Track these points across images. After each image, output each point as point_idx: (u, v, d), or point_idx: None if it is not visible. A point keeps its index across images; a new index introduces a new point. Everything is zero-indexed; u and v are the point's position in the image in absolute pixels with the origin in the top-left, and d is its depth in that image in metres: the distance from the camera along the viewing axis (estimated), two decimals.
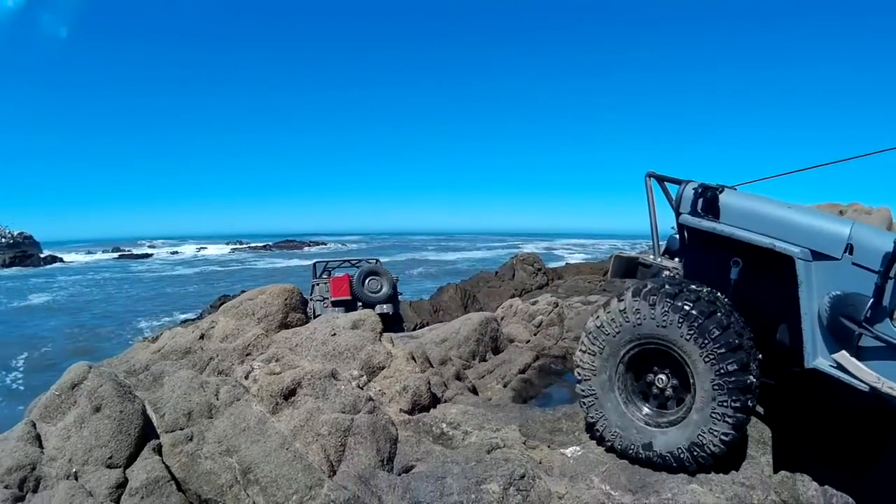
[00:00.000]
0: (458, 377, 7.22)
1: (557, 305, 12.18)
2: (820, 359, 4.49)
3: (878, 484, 4.97)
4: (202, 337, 7.27)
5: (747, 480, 4.79)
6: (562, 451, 5.33)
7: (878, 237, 4.40)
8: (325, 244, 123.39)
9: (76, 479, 4.60)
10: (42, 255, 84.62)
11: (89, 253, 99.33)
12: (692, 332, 4.69)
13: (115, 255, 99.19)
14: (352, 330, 6.92)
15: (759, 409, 5.54)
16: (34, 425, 5.03)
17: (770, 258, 4.74)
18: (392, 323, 15.35)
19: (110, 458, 4.74)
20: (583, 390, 5.25)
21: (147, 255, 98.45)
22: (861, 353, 4.36)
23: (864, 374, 4.23)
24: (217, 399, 5.52)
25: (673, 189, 5.50)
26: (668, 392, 5.07)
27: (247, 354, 6.69)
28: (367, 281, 15.57)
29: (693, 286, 4.95)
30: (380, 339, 6.86)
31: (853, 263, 4.44)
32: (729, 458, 4.95)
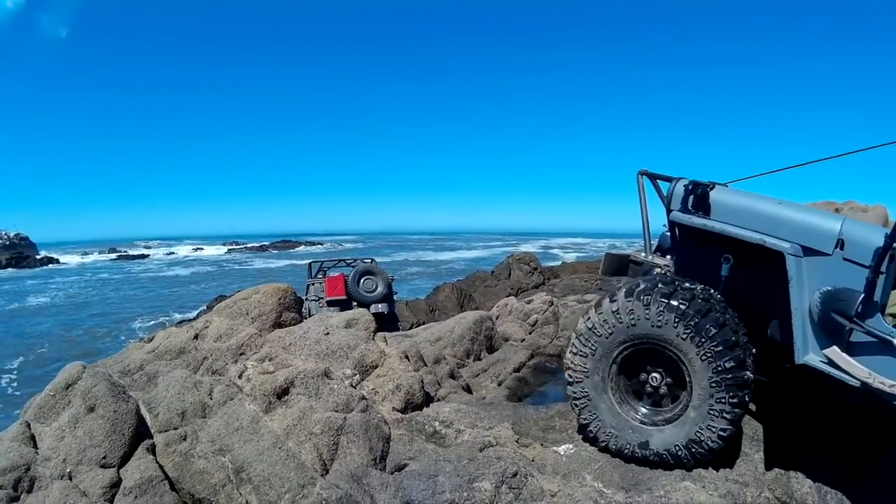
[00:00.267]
0: (452, 376, 7.24)
1: (552, 304, 12.20)
2: (811, 354, 4.49)
3: (872, 481, 4.99)
4: (196, 337, 7.29)
5: (741, 478, 4.80)
6: (554, 448, 5.34)
7: (869, 232, 4.39)
8: (322, 244, 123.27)
9: (70, 479, 4.60)
10: (38, 257, 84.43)
11: (85, 254, 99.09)
12: (688, 331, 4.71)
13: (112, 255, 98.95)
14: (345, 329, 6.93)
15: (753, 406, 5.54)
16: (29, 426, 5.03)
17: (761, 254, 4.73)
18: (387, 322, 15.36)
19: (104, 457, 4.74)
20: (575, 392, 5.25)
21: (143, 256, 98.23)
22: (852, 349, 4.35)
23: (856, 369, 4.23)
24: (211, 398, 5.52)
25: (665, 187, 5.50)
26: (663, 390, 5.08)
27: (240, 354, 6.70)
28: (362, 280, 15.58)
29: (687, 284, 4.97)
30: (373, 338, 6.87)
31: (844, 259, 4.44)
32: (722, 455, 4.96)
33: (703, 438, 4.70)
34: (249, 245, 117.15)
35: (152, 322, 34.85)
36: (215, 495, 4.75)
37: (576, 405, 5.27)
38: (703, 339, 4.66)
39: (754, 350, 4.90)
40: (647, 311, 4.90)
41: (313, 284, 15.89)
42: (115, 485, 4.61)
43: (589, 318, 5.25)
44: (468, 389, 7.23)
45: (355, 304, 15.24)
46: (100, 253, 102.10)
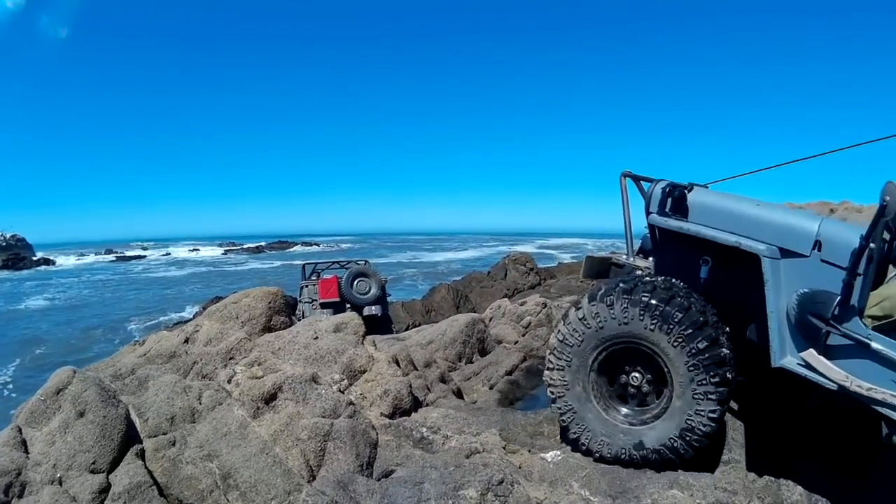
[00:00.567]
0: (443, 380, 7.24)
1: (546, 306, 12.21)
2: (787, 357, 4.51)
3: (862, 488, 5.01)
4: (187, 340, 7.29)
5: (730, 486, 4.75)
6: (542, 455, 5.33)
7: (846, 233, 4.40)
8: (318, 244, 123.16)
9: (60, 484, 4.59)
10: (34, 258, 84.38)
11: (82, 255, 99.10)
12: (655, 321, 4.77)
13: (109, 257, 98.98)
14: (334, 333, 6.94)
15: (740, 410, 5.57)
16: (20, 430, 5.03)
17: (740, 256, 4.73)
18: (381, 324, 15.36)
19: (94, 463, 4.74)
20: (560, 408, 5.28)
21: (140, 257, 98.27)
22: (830, 352, 4.35)
23: (833, 372, 4.24)
24: (200, 403, 5.53)
25: (648, 188, 5.56)
26: (645, 388, 5.11)
27: (230, 358, 6.70)
28: (355, 282, 15.57)
29: (647, 279, 5.04)
30: (362, 343, 6.88)
31: (822, 260, 4.45)
32: (711, 462, 5.04)
33: (694, 425, 4.72)
34: (245, 246, 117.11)
35: (149, 322, 34.95)
36: (203, 501, 4.76)
37: (563, 420, 5.28)
38: (671, 325, 4.71)
39: (728, 328, 4.91)
40: (611, 311, 4.94)
41: (307, 286, 15.87)
42: (105, 490, 4.61)
43: (559, 330, 5.30)
44: (459, 393, 7.23)
45: (349, 306, 15.24)
46: (96, 254, 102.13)
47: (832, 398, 4.54)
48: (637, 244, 6.06)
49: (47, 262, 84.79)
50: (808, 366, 4.35)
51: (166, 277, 64.19)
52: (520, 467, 5.11)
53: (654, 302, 4.81)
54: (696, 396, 4.70)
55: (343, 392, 5.89)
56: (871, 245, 4.09)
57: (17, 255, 79.69)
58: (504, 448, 5.37)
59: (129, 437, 5.05)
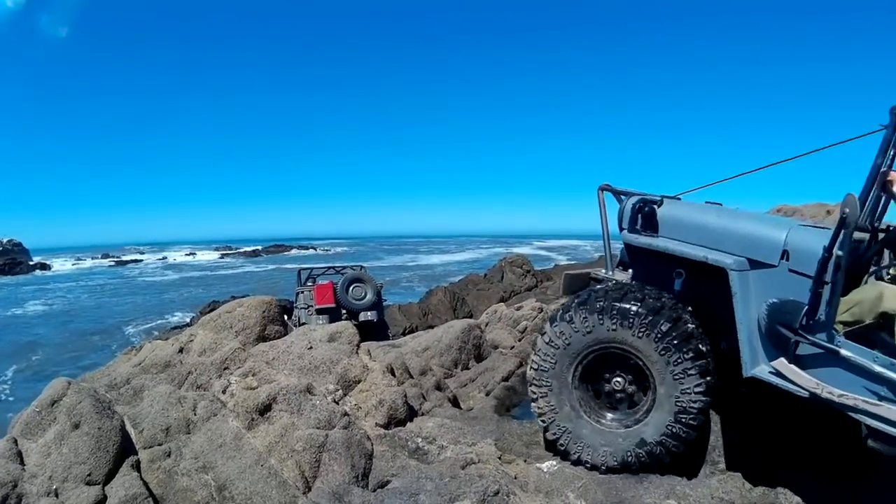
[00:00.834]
0: (439, 387, 7.23)
1: (542, 310, 12.21)
2: (759, 367, 4.55)
3: (859, 494, 5.02)
4: (181, 350, 7.29)
5: (726, 495, 4.80)
6: (538, 465, 5.33)
7: (813, 242, 4.42)
8: (315, 248, 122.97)
9: (56, 496, 4.58)
10: (31, 263, 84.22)
11: (79, 260, 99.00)
12: (614, 321, 4.92)
13: (106, 261, 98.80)
14: (328, 343, 6.93)
15: (734, 417, 5.58)
16: (15, 442, 5.02)
17: (711, 268, 4.78)
18: (377, 330, 15.35)
19: (89, 475, 4.73)
20: (555, 433, 5.32)
21: (137, 262, 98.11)
22: (801, 360, 4.42)
23: (804, 380, 4.29)
24: (195, 414, 5.52)
25: None
26: (630, 389, 5.19)
27: (224, 368, 6.69)
28: (351, 288, 15.55)
29: (598, 287, 5.21)
30: (356, 352, 6.87)
31: (790, 270, 4.52)
32: (708, 471, 5.13)
33: (685, 405, 4.81)
34: (242, 249, 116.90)
35: (146, 326, 34.91)
36: None
37: (561, 445, 5.30)
38: (630, 320, 4.84)
39: (690, 308, 5.03)
40: (573, 326, 5.09)
41: (302, 292, 15.85)
42: (101, 502, 4.60)
43: (532, 360, 5.42)
44: (455, 401, 7.22)
45: (345, 311, 15.24)
46: (93, 259, 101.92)
47: (811, 402, 4.50)
48: (617, 257, 6.11)
49: (44, 266, 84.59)
50: (779, 374, 4.40)
51: (163, 282, 64.13)
52: (515, 478, 5.11)
53: (609, 304, 4.93)
54: (676, 377, 4.78)
55: (338, 403, 5.89)
56: (837, 254, 4.12)
57: (13, 259, 79.50)
58: (500, 458, 5.38)
59: (125, 449, 5.03)
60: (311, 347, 6.73)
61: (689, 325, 4.84)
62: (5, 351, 28.85)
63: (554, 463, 5.34)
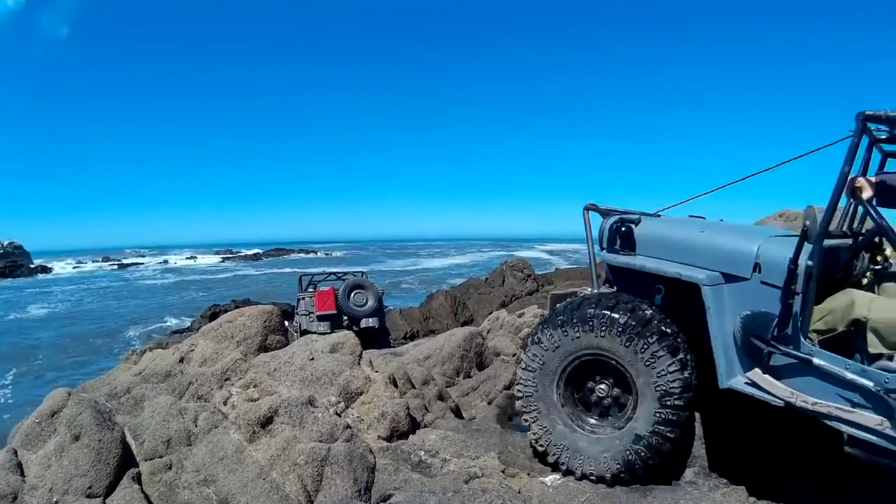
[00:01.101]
0: (441, 397, 7.20)
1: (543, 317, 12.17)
2: (735, 378, 4.65)
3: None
4: (182, 360, 7.27)
5: None
6: (541, 479, 5.27)
7: (785, 252, 4.47)
8: (316, 252, 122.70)
9: None
10: (32, 266, 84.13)
11: (80, 263, 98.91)
12: (575, 327, 5.08)
13: (107, 264, 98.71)
14: (330, 354, 6.90)
15: (735, 430, 5.57)
16: (15, 453, 5.00)
17: (688, 283, 4.87)
18: (378, 337, 15.29)
19: (90, 487, 4.71)
20: (555, 454, 5.35)
21: (138, 265, 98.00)
22: (776, 371, 4.51)
23: (778, 390, 4.39)
24: (196, 426, 5.50)
25: None
26: (615, 392, 5.24)
27: (225, 379, 6.67)
28: (352, 294, 15.47)
29: (567, 304, 5.36)
30: (358, 363, 6.85)
31: (762, 282, 4.61)
32: (713, 484, 5.11)
33: (665, 386, 4.84)
34: (243, 253, 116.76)
35: (148, 328, 34.89)
36: None
37: (563, 466, 5.31)
38: (597, 322, 4.97)
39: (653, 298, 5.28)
40: (542, 346, 5.28)
41: (304, 298, 15.78)
42: None
43: (517, 390, 5.65)
44: (457, 411, 7.18)
45: (346, 318, 15.19)
46: (94, 262, 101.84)
47: (787, 412, 4.59)
48: (603, 275, 6.19)
49: (44, 269, 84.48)
50: (754, 385, 4.50)
51: (164, 285, 64.03)
52: (519, 492, 5.06)
53: (569, 315, 5.14)
54: (647, 364, 4.84)
55: (340, 415, 5.86)
56: (807, 264, 4.24)
57: (14, 262, 79.35)
58: (503, 472, 5.31)
59: (125, 461, 5.02)
60: (312, 358, 6.70)
61: (647, 310, 4.97)
62: (6, 354, 28.76)
63: (557, 477, 5.28)
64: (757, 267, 4.63)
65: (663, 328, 4.89)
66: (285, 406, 5.54)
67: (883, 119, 4.29)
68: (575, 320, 5.06)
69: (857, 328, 4.28)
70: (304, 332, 14.20)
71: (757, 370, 4.54)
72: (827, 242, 4.40)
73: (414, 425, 6.27)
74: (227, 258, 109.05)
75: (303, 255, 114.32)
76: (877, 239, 4.91)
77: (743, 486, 5.08)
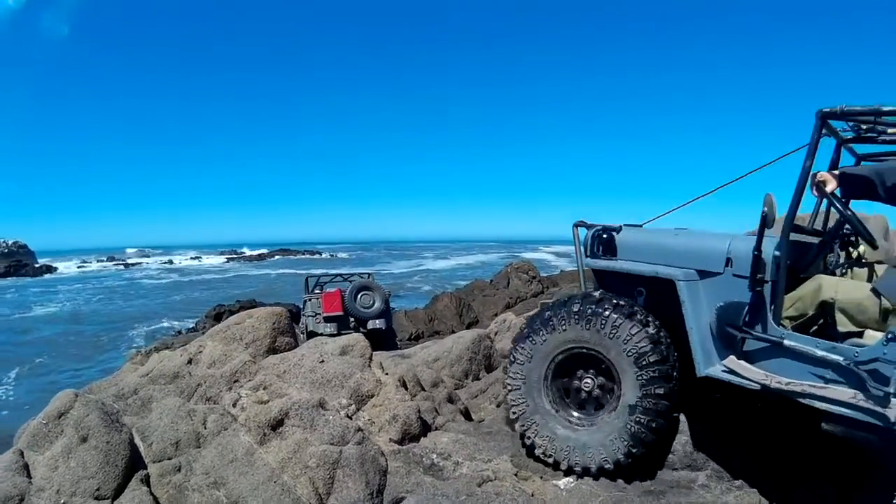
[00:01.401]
0: (450, 400, 7.15)
1: None
2: (712, 367, 4.86)
3: None
4: (190, 361, 7.22)
5: None
6: (555, 482, 5.27)
7: (751, 246, 4.68)
8: (321, 253, 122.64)
9: None
10: (37, 265, 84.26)
11: (84, 262, 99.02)
12: (547, 327, 5.41)
13: (111, 264, 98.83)
14: (340, 356, 6.85)
15: (744, 431, 5.58)
16: (22, 454, 4.96)
17: (668, 284, 5.09)
18: (385, 338, 15.22)
19: (98, 489, 4.67)
20: (565, 458, 5.43)
21: (142, 265, 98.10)
22: (751, 356, 4.74)
23: (753, 373, 4.59)
24: (205, 428, 5.45)
25: None
26: (601, 381, 5.44)
27: (234, 381, 6.64)
28: (359, 296, 15.40)
29: (545, 308, 5.61)
30: (369, 366, 6.80)
31: (734, 275, 4.84)
32: (724, 488, 5.12)
33: (642, 357, 5.05)
34: (248, 254, 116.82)
35: (152, 328, 34.94)
36: None
37: (577, 464, 5.38)
38: (576, 317, 5.24)
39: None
40: (519, 362, 5.58)
41: (310, 300, 15.72)
42: None
43: (511, 411, 5.79)
44: (467, 413, 7.13)
45: (353, 319, 15.14)
46: (98, 261, 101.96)
47: (767, 397, 4.94)
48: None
49: (49, 269, 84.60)
50: (730, 371, 4.71)
51: (168, 285, 64.08)
52: (532, 495, 5.05)
53: (540, 316, 5.53)
54: (630, 354, 5.06)
55: (351, 417, 5.82)
56: (776, 254, 4.52)
57: (18, 261, 79.50)
58: (516, 475, 5.32)
59: (134, 463, 4.98)
60: (322, 361, 6.65)
61: (630, 306, 5.21)
62: (11, 353, 28.81)
63: (571, 480, 5.28)
64: (728, 261, 4.88)
65: (645, 322, 5.11)
66: (296, 408, 5.50)
67: (839, 113, 4.46)
68: (562, 315, 5.31)
69: (826, 310, 4.49)
70: (310, 334, 14.17)
71: (732, 357, 4.78)
72: (797, 237, 4.78)
73: (425, 428, 6.24)
74: (232, 259, 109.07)
75: (308, 256, 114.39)
76: (854, 238, 5.42)
77: (755, 489, 5.10)
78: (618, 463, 5.18)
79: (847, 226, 5.06)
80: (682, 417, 5.63)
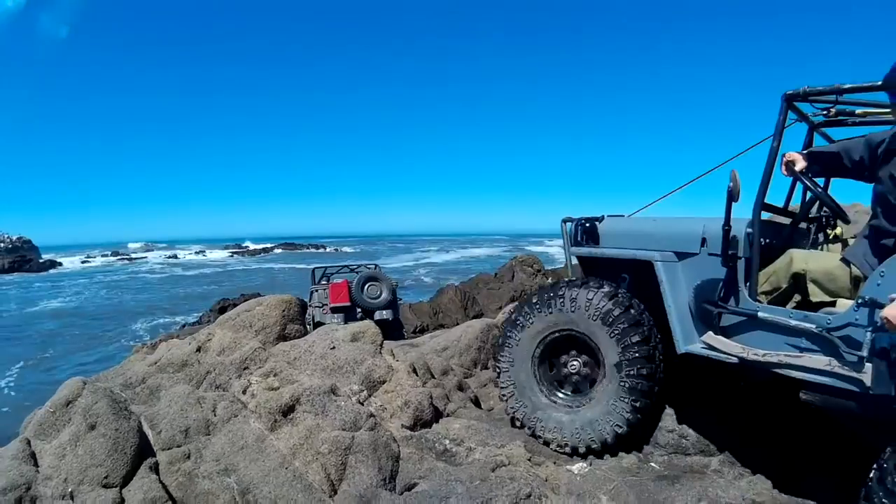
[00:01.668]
0: (461, 388, 7.11)
1: None
2: (692, 344, 5.02)
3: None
4: (199, 349, 7.18)
5: (757, 497, 4.82)
6: (568, 467, 5.27)
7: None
8: (326, 247, 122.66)
9: (72, 499, 4.47)
10: (41, 260, 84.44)
11: (88, 257, 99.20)
12: (524, 316, 5.75)
13: (115, 259, 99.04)
14: (351, 343, 6.79)
15: (755, 417, 5.65)
16: (29, 443, 4.91)
17: (650, 268, 5.29)
18: (392, 329, 15.19)
19: (106, 477, 4.61)
20: (531, 425, 5.81)
21: (146, 259, 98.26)
22: (728, 331, 4.88)
23: (730, 347, 4.73)
24: (214, 415, 5.40)
25: None
26: (584, 359, 5.70)
27: (244, 368, 6.59)
28: (366, 287, 15.37)
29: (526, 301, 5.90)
30: (380, 352, 6.75)
31: (709, 254, 5.04)
32: (736, 474, 5.21)
33: (618, 322, 5.30)
34: (252, 248, 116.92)
35: (157, 322, 35.07)
36: None
37: (539, 437, 5.76)
38: (560, 303, 5.51)
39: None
40: (506, 359, 5.89)
41: (317, 291, 15.68)
42: None
43: (507, 407, 6.05)
44: (476, 401, 7.09)
45: (359, 310, 15.11)
46: (103, 256, 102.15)
47: (752, 375, 5.05)
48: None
49: (53, 264, 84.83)
50: (709, 347, 4.85)
51: (173, 279, 64.22)
52: (546, 480, 5.02)
53: (517, 309, 5.88)
54: (613, 335, 5.28)
55: (363, 404, 5.78)
56: (748, 231, 4.69)
57: (23, 257, 79.74)
58: (529, 460, 5.30)
59: (142, 451, 4.92)
60: (333, 347, 6.60)
61: (614, 290, 5.44)
62: (18, 347, 28.92)
63: (585, 465, 5.30)
64: (704, 241, 5.07)
65: (628, 304, 5.33)
66: (307, 394, 5.47)
67: (802, 95, 4.61)
68: (548, 299, 5.59)
69: (799, 282, 4.57)
70: (317, 325, 14.12)
71: (710, 333, 4.93)
72: (768, 216, 5.08)
73: (437, 415, 6.20)
74: (236, 253, 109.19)
75: (312, 250, 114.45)
76: (833, 220, 5.59)
77: (767, 475, 5.13)
78: (605, 443, 5.41)
79: (819, 205, 5.32)
80: (694, 404, 5.75)
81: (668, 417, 5.77)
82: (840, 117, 5.43)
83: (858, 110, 5.31)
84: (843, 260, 4.38)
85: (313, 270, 17.18)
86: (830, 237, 5.65)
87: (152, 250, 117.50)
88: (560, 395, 5.77)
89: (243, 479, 4.78)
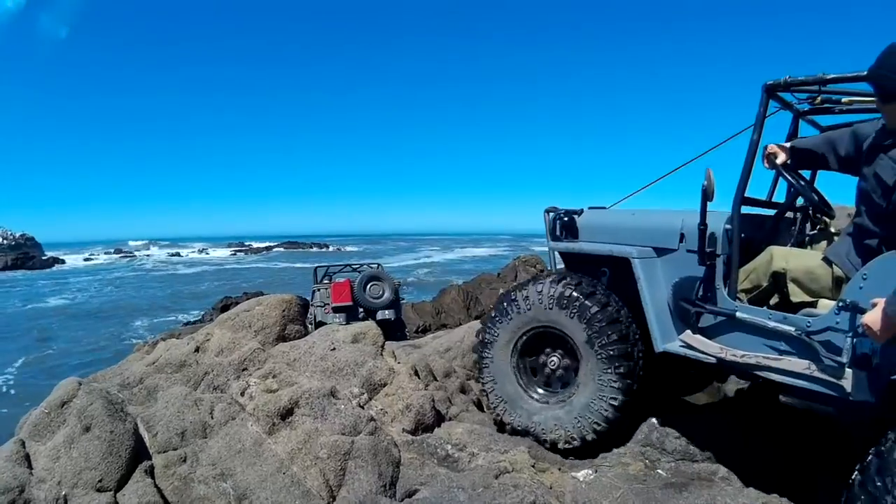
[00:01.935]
0: (463, 390, 7.03)
1: None
2: (670, 342, 4.97)
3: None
4: (197, 350, 7.09)
5: (769, 502, 4.68)
6: (573, 474, 5.15)
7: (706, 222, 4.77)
8: (328, 246, 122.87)
9: (66, 502, 4.37)
10: (44, 258, 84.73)
11: (91, 254, 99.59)
12: (502, 314, 5.80)
13: (118, 256, 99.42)
14: (352, 344, 6.70)
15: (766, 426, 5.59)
16: (23, 444, 4.82)
17: (627, 264, 5.23)
18: (394, 329, 15.16)
19: (100, 480, 4.50)
20: (510, 421, 5.88)
21: (149, 257, 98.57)
22: (707, 331, 4.83)
23: (709, 347, 4.69)
24: (212, 417, 5.31)
25: None
26: (564, 359, 5.70)
27: (243, 369, 6.50)
28: (368, 286, 15.35)
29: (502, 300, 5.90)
30: (381, 354, 6.66)
31: (687, 251, 4.94)
32: (747, 478, 5.08)
33: (604, 341, 5.24)
34: (255, 246, 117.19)
35: (159, 320, 35.18)
36: None
37: (535, 430, 5.75)
38: (545, 299, 5.46)
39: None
40: (487, 361, 5.97)
41: (319, 290, 15.65)
42: None
43: (492, 411, 6.13)
44: (479, 404, 7.01)
45: (361, 310, 15.07)
46: (105, 253, 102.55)
47: (719, 367, 4.97)
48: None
49: (56, 261, 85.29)
50: (687, 346, 4.82)
51: (175, 277, 64.47)
52: (551, 487, 4.90)
53: (495, 307, 5.90)
54: (589, 331, 5.26)
55: (363, 407, 5.68)
56: (727, 227, 4.65)
57: (26, 254, 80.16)
58: (534, 467, 5.18)
59: (138, 453, 4.81)
60: (334, 348, 6.51)
61: (591, 285, 5.40)
62: (19, 344, 29.00)
63: (590, 472, 5.18)
64: (682, 237, 5.02)
65: (605, 301, 5.28)
66: (306, 397, 5.38)
67: (783, 85, 4.54)
68: (525, 295, 5.58)
69: (779, 280, 4.49)
70: (318, 324, 14.08)
71: (688, 331, 4.89)
72: (748, 210, 4.92)
73: (439, 418, 6.12)
74: (239, 251, 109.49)
75: (315, 249, 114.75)
76: (819, 214, 5.40)
77: (777, 481, 5.04)
78: (584, 439, 5.43)
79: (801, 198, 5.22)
80: (703, 409, 5.73)
81: (676, 423, 5.65)
82: (826, 105, 5.32)
83: (845, 98, 5.21)
84: (826, 259, 4.30)
85: (315, 269, 17.14)
86: (818, 228, 5.52)
87: (155, 248, 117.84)
88: (550, 392, 5.79)
89: (240, 485, 4.68)
